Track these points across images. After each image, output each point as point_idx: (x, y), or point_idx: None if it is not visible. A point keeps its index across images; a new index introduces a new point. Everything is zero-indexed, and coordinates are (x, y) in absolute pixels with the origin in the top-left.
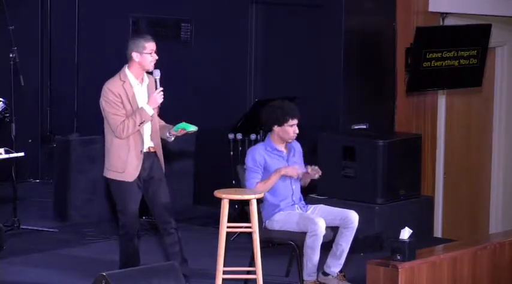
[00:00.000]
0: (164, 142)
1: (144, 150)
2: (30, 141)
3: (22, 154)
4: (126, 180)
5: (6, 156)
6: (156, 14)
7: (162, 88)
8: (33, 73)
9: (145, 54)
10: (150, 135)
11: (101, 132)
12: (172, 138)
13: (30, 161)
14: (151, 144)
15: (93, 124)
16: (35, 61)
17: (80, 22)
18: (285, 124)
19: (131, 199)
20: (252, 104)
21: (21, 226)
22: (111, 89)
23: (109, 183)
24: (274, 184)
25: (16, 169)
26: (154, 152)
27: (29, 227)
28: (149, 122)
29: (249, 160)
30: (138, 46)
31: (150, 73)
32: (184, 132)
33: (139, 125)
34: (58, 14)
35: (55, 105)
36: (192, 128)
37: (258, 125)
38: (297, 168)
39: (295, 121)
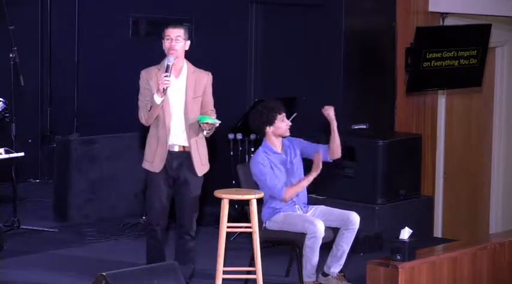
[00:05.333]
0: None
1: (176, 149)
2: (30, 141)
3: (22, 154)
4: (153, 170)
5: (6, 156)
6: (156, 14)
7: (167, 74)
8: (33, 73)
9: (164, 39)
10: (185, 132)
11: (101, 132)
12: (205, 132)
13: (30, 161)
14: (186, 144)
15: (93, 124)
16: (35, 61)
17: (80, 22)
18: (276, 121)
19: (156, 194)
20: (252, 104)
21: (21, 226)
22: (142, 74)
23: (146, 175)
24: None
25: (16, 169)
26: (189, 153)
27: (29, 227)
28: (181, 119)
29: (260, 167)
30: (163, 33)
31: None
32: (209, 124)
33: (149, 110)
34: (58, 14)
35: (55, 105)
36: (215, 121)
37: None
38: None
39: (283, 115)
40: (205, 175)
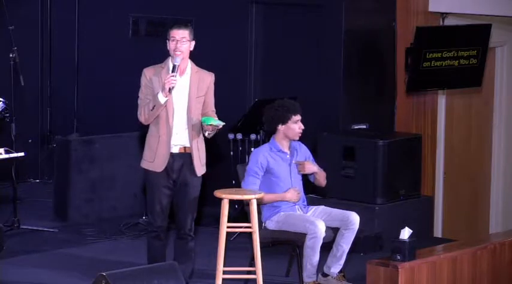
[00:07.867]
0: None
1: (177, 150)
2: (30, 141)
3: (22, 154)
4: (154, 170)
5: (6, 156)
6: (156, 14)
7: (174, 74)
8: (33, 73)
9: (169, 41)
10: (187, 132)
11: (101, 132)
12: (207, 134)
13: (30, 161)
14: (187, 144)
15: (93, 124)
16: (35, 61)
17: (80, 22)
18: (289, 122)
19: (157, 196)
20: (252, 104)
21: (21, 226)
22: (145, 72)
23: (145, 175)
24: (271, 200)
25: (16, 169)
26: (189, 154)
27: (29, 227)
28: (183, 117)
29: (252, 162)
30: (167, 34)
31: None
32: (212, 126)
33: (151, 109)
34: (58, 14)
35: (55, 105)
36: (219, 122)
37: (258, 125)
38: (298, 192)
39: (299, 117)
40: (205, 175)
